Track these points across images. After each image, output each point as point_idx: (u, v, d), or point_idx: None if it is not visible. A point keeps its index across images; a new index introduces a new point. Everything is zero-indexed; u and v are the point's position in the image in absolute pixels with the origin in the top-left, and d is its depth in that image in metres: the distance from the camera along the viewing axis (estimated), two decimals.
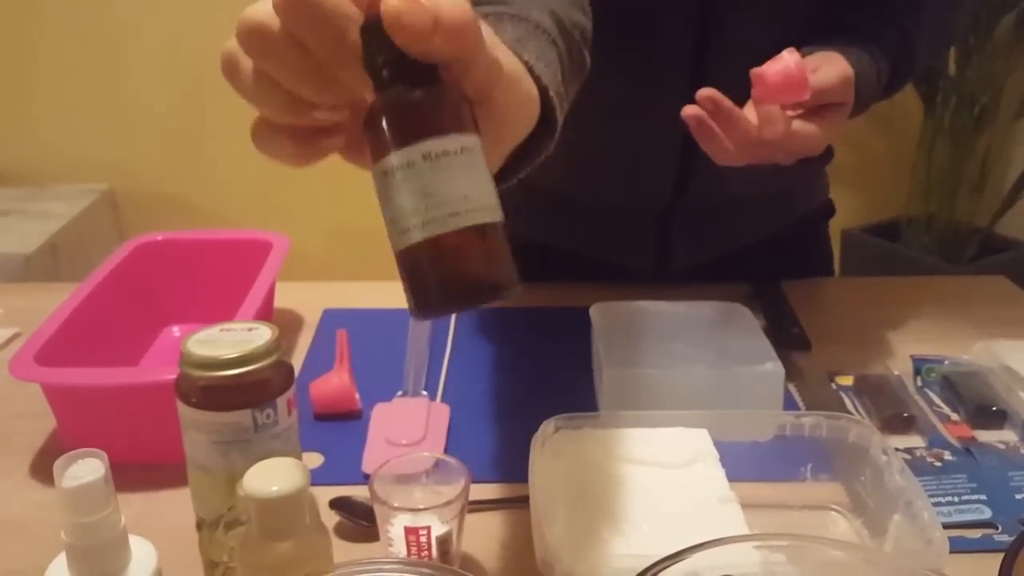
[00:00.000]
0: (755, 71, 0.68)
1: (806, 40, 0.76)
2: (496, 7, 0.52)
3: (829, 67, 0.69)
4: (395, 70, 0.39)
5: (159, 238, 0.84)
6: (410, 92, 0.39)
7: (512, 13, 0.51)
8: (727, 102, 0.67)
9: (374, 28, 0.38)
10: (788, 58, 0.67)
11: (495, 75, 0.41)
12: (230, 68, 0.41)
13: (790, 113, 0.69)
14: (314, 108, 0.40)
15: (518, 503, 0.60)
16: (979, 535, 0.58)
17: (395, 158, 0.38)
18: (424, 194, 0.38)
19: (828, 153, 0.91)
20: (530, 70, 0.46)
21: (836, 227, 1.02)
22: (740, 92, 0.68)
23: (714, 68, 0.77)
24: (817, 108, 0.70)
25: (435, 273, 0.39)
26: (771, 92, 0.67)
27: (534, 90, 0.46)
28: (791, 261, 0.95)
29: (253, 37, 0.38)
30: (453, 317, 0.86)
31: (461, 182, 0.39)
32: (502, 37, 0.44)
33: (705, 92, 0.67)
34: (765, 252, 0.93)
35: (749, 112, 0.69)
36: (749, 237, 0.92)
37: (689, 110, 0.68)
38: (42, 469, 0.65)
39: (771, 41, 0.78)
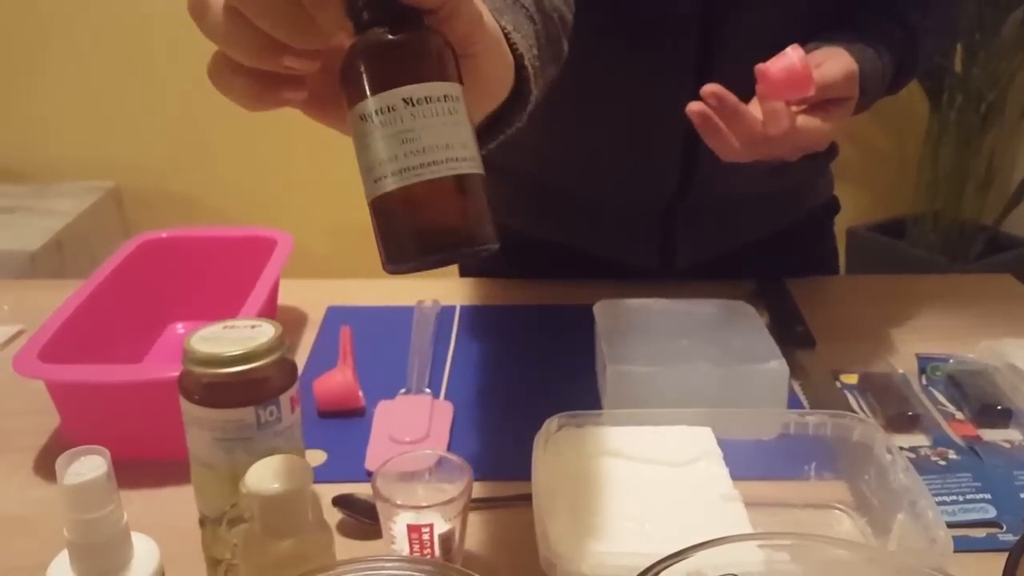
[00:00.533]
0: (759, 67, 0.68)
1: (811, 34, 0.76)
2: None
3: (833, 62, 0.69)
4: (378, 11, 0.37)
5: (163, 235, 0.84)
6: (393, 34, 0.37)
7: None
8: (732, 98, 0.67)
9: None
10: (792, 54, 0.67)
11: (478, 28, 0.40)
12: (199, 6, 0.39)
13: (794, 109, 0.68)
14: (285, 53, 0.38)
15: (521, 501, 0.59)
16: (983, 534, 0.58)
17: (373, 102, 0.37)
18: (402, 141, 0.36)
19: (832, 150, 0.91)
20: (507, 36, 0.45)
21: (841, 225, 1.01)
22: (745, 87, 0.68)
23: (719, 63, 0.77)
24: (822, 103, 0.69)
25: (410, 224, 0.37)
26: (776, 88, 0.67)
27: (510, 57, 0.45)
28: (796, 258, 0.94)
29: None
30: (456, 316, 0.86)
31: (442, 130, 0.37)
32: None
33: (710, 88, 0.66)
34: (770, 249, 0.92)
35: (754, 108, 0.69)
36: (753, 234, 0.91)
37: (694, 106, 0.67)
38: (45, 466, 0.65)
39: (775, 35, 0.77)
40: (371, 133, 0.37)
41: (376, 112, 0.37)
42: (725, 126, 0.67)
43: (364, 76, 0.37)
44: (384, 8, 0.37)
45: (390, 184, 0.37)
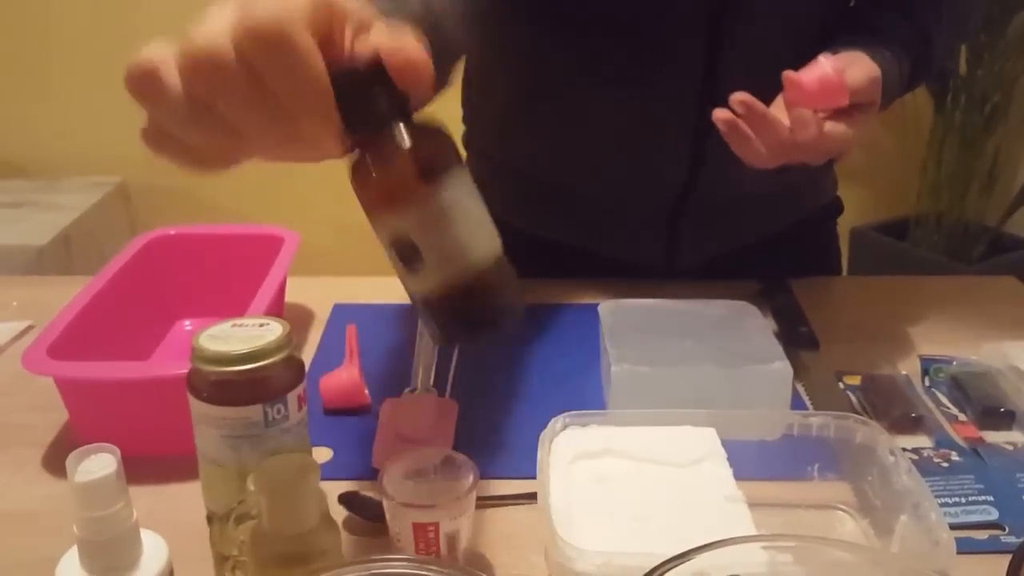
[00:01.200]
0: (788, 75, 0.68)
1: (820, 32, 0.76)
2: None
3: (857, 68, 0.69)
4: (396, 113, 0.37)
5: (171, 232, 0.85)
6: (413, 134, 0.37)
7: None
8: (760, 105, 0.67)
9: (377, 73, 0.36)
10: (826, 63, 0.67)
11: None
12: (148, 82, 0.36)
13: (820, 115, 0.69)
14: (250, 138, 0.37)
15: (526, 500, 0.60)
16: (986, 536, 0.58)
17: (406, 209, 0.37)
18: (440, 241, 0.37)
19: None
20: None
21: (845, 225, 1.02)
22: (754, 86, 0.68)
23: (726, 63, 0.77)
24: (846, 109, 0.70)
25: (461, 313, 0.39)
26: (810, 98, 0.67)
27: None
28: (799, 258, 0.95)
29: (203, 65, 0.35)
30: None
31: (471, 222, 0.38)
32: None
33: (737, 96, 0.67)
34: (773, 249, 0.93)
35: (778, 111, 0.69)
36: (758, 233, 0.92)
37: (720, 114, 0.67)
38: (54, 462, 0.66)
39: (784, 32, 0.78)
40: (405, 234, 0.37)
41: (409, 215, 0.37)
42: (753, 133, 0.67)
43: (393, 179, 0.37)
44: (402, 109, 0.37)
45: (432, 283, 0.38)
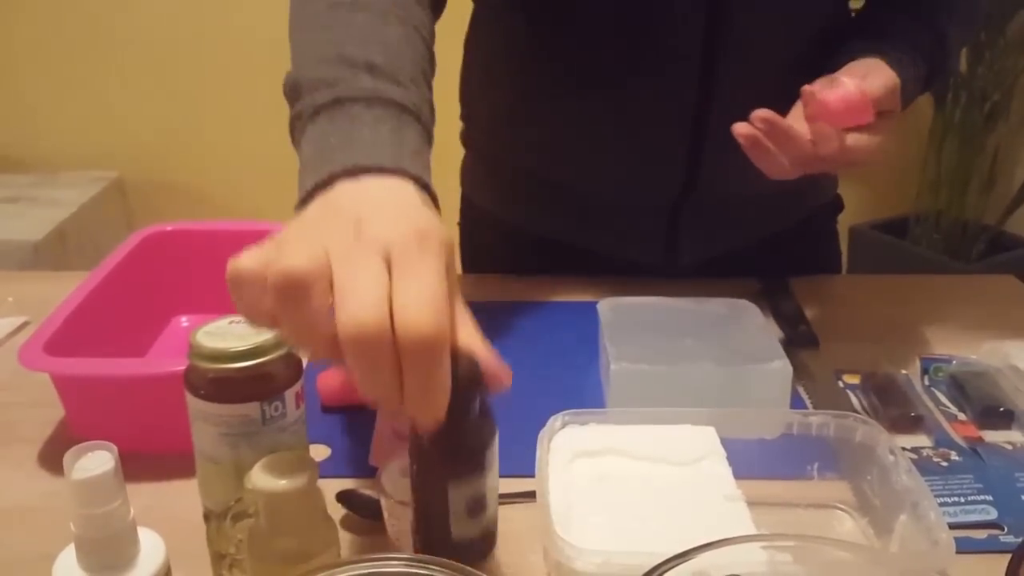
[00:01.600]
0: (807, 89, 0.67)
1: (823, 33, 0.76)
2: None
3: (876, 76, 0.69)
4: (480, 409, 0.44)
5: (168, 228, 0.84)
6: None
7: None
8: (783, 121, 0.66)
9: (477, 383, 0.43)
10: (849, 83, 0.67)
11: None
12: (298, 292, 0.40)
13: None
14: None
15: (524, 498, 0.60)
16: (985, 536, 0.58)
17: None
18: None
19: None
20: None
21: (844, 223, 1.02)
22: (750, 84, 0.68)
23: (723, 64, 0.77)
24: None
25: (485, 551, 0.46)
26: (834, 118, 0.67)
27: None
28: (800, 256, 0.95)
29: (362, 340, 0.39)
30: None
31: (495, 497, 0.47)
32: None
33: (760, 114, 0.66)
34: (773, 248, 0.93)
35: (797, 122, 0.68)
36: (758, 232, 0.91)
37: (741, 129, 0.67)
38: (50, 458, 0.66)
39: (782, 31, 0.77)
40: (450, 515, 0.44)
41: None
42: (775, 148, 0.67)
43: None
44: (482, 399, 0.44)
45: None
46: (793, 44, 0.71)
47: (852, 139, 0.68)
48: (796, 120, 0.68)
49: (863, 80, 0.68)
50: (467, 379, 0.42)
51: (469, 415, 0.43)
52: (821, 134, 0.67)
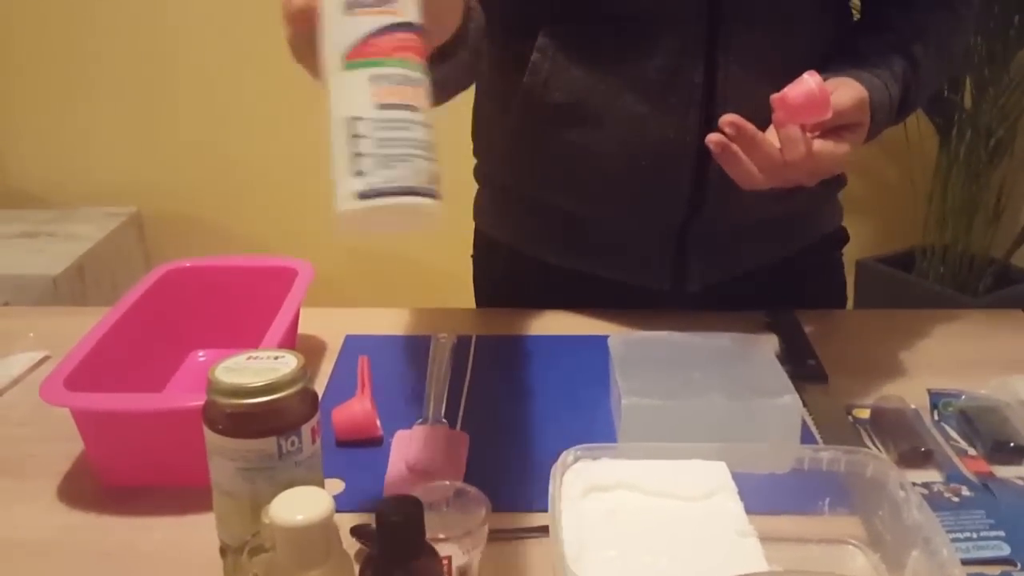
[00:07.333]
0: (775, 96, 0.71)
1: (815, 56, 0.78)
2: None
3: (844, 89, 0.73)
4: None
5: (186, 264, 0.86)
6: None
7: None
8: (749, 126, 0.70)
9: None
10: (810, 79, 0.70)
11: None
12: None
13: (810, 135, 0.71)
14: None
15: (537, 533, 0.60)
16: (998, 572, 0.58)
17: None
18: None
19: (839, 179, 0.93)
20: None
21: (850, 257, 1.03)
22: (752, 113, 0.70)
23: (724, 90, 0.79)
24: (835, 129, 0.73)
25: None
26: (794, 112, 0.70)
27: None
28: (805, 288, 0.96)
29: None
30: (472, 346, 0.87)
31: None
32: None
33: (727, 118, 0.70)
34: (780, 278, 0.93)
35: (771, 136, 0.72)
36: (765, 259, 0.92)
37: (713, 137, 0.71)
38: (68, 492, 0.66)
39: (780, 55, 0.80)
40: None
41: None
42: (744, 154, 0.71)
43: None
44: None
45: None
46: (794, 71, 0.74)
47: (819, 145, 0.72)
48: (769, 135, 0.72)
49: (831, 93, 0.71)
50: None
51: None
52: (788, 139, 0.70)
